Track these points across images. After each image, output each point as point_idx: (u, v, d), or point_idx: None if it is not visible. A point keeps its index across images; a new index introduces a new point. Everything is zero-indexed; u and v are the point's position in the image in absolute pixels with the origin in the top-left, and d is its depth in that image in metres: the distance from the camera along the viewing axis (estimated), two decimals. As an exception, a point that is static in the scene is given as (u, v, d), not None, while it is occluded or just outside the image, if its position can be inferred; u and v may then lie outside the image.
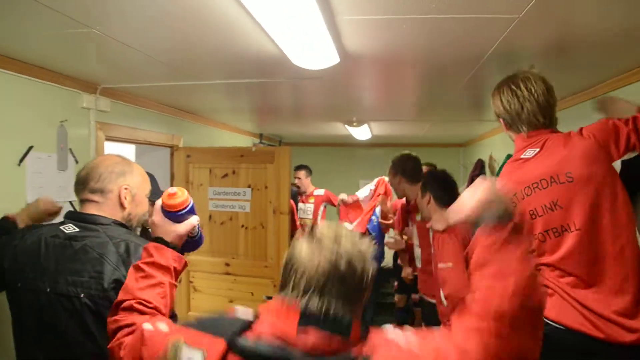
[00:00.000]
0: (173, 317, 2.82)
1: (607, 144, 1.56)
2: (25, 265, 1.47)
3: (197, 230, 1.37)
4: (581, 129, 1.63)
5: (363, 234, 3.93)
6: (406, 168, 3.05)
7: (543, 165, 1.62)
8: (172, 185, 3.57)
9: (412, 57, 2.05)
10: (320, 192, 5.11)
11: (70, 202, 2.39)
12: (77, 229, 1.51)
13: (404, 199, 3.27)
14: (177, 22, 1.66)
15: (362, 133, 5.12)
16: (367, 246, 1.00)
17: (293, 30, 1.61)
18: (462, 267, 2.24)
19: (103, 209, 1.56)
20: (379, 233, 4.73)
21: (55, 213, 1.90)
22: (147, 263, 1.22)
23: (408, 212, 3.20)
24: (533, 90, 1.66)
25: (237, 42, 1.84)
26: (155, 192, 2.60)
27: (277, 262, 3.28)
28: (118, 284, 1.40)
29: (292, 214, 3.85)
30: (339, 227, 1.02)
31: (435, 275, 2.44)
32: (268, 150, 3.41)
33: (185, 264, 1.31)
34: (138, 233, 1.73)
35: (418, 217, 2.91)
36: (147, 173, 2.68)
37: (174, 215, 1.27)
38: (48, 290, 1.42)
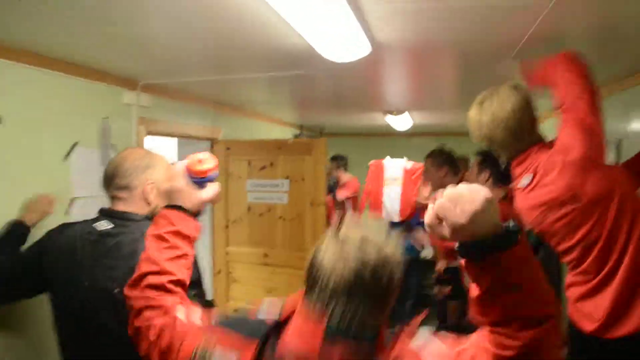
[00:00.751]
0: (210, 305, 2.88)
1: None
2: (64, 262, 1.53)
3: None
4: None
5: (405, 225, 3.86)
6: (453, 160, 2.99)
7: (545, 193, 1.60)
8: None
9: (444, 46, 1.99)
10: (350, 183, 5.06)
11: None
12: (111, 226, 1.54)
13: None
14: (209, 22, 1.68)
15: (402, 123, 5.03)
16: (393, 250, 0.95)
17: (321, 25, 1.59)
18: None
19: (130, 204, 1.60)
20: (418, 222, 4.65)
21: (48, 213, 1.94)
22: (170, 232, 1.16)
23: None
24: (499, 113, 1.67)
25: (268, 38, 1.85)
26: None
27: None
28: None
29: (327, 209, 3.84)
30: (365, 228, 0.97)
31: None
32: (305, 142, 3.43)
33: (201, 230, 1.26)
34: None
35: None
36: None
37: (200, 181, 1.24)
38: (87, 284, 1.47)
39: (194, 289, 1.46)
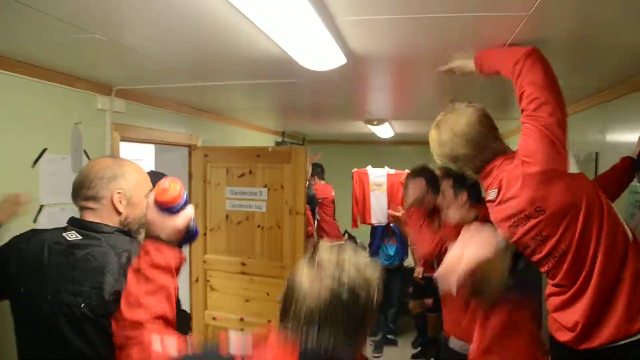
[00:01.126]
0: (185, 315, 2.81)
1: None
2: (29, 271, 1.47)
3: (192, 222, 1.31)
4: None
5: (385, 229, 3.88)
6: (434, 178, 2.92)
7: (511, 207, 1.59)
8: (190, 184, 3.59)
9: (421, 57, 1.98)
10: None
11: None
12: (80, 237, 1.49)
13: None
14: (186, 29, 1.66)
15: (384, 131, 5.04)
16: (372, 272, 0.95)
17: (294, 34, 1.58)
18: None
19: (100, 215, 1.55)
20: (399, 232, 4.67)
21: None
22: (148, 265, 1.17)
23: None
24: (456, 128, 1.67)
25: (245, 45, 1.83)
26: None
27: (293, 263, 3.25)
28: (118, 295, 1.39)
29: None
30: (341, 251, 0.97)
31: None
32: (285, 150, 3.39)
33: (184, 260, 1.26)
34: (142, 234, 1.72)
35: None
36: (157, 172, 2.69)
37: (170, 210, 1.21)
38: (49, 297, 1.42)
39: None
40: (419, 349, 4.61)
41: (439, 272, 1.03)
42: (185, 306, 3.58)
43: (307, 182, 4.40)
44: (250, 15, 1.40)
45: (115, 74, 2.44)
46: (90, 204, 1.55)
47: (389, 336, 4.84)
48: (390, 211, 3.70)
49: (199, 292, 3.61)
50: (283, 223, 3.34)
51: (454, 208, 2.42)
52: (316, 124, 5.20)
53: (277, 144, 5.65)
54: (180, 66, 2.25)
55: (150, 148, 3.90)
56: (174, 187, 1.22)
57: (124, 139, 2.84)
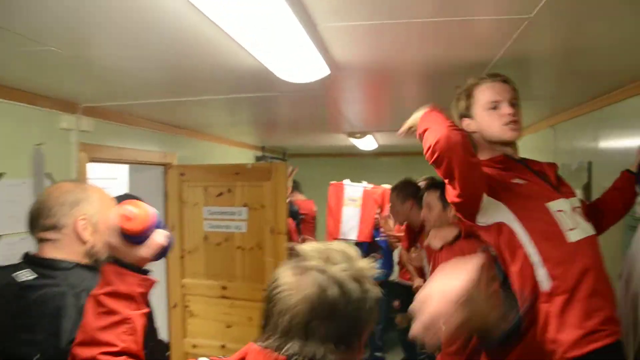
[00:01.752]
0: (161, 344, 2.62)
1: None
2: None
3: (169, 239, 1.09)
4: None
5: (371, 245, 3.80)
6: (417, 192, 2.84)
7: None
8: (166, 204, 3.40)
9: (407, 66, 1.87)
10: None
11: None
12: (34, 276, 1.32)
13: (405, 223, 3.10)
14: (158, 43, 1.53)
15: (367, 144, 4.94)
16: (366, 265, 0.85)
17: (272, 46, 1.45)
18: None
19: (61, 247, 1.38)
20: (386, 246, 4.58)
21: None
22: (107, 294, 0.98)
23: (416, 235, 2.99)
24: None
25: (221, 59, 1.71)
26: None
27: None
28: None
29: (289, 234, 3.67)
30: (327, 246, 0.87)
31: None
32: (264, 167, 3.24)
33: (153, 283, 1.06)
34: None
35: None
36: (130, 195, 2.51)
37: (135, 240, 1.02)
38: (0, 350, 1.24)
39: None
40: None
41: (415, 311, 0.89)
42: (163, 334, 3.37)
43: (288, 199, 4.27)
44: (223, 26, 1.27)
45: (81, 90, 2.27)
46: (50, 235, 1.38)
47: (376, 354, 4.71)
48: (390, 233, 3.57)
49: (177, 318, 3.41)
50: (264, 243, 3.17)
51: (438, 229, 2.31)
52: (297, 138, 5.06)
53: (257, 159, 5.48)
54: (151, 82, 2.11)
55: (124, 168, 3.71)
56: (141, 213, 1.01)
57: (93, 160, 2.66)
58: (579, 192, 2.39)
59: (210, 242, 3.31)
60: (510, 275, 1.47)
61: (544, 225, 1.42)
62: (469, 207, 1.49)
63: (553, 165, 1.64)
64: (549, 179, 1.56)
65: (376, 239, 4.60)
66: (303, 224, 4.90)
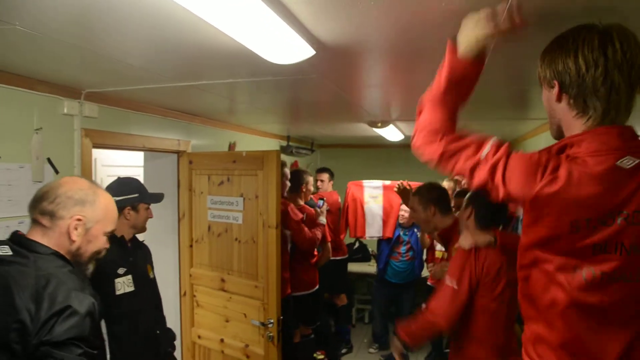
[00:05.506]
0: (169, 333, 2.59)
1: None
2: None
3: None
4: None
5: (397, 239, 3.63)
6: (444, 197, 2.64)
7: None
8: (178, 192, 3.38)
9: (410, 46, 1.73)
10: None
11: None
12: (9, 253, 1.35)
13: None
14: (155, 29, 1.50)
15: (392, 134, 4.77)
16: None
17: (247, 25, 1.36)
18: (463, 290, 2.02)
19: (49, 236, 1.41)
20: (417, 246, 4.47)
21: None
22: None
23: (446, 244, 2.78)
24: (628, 56, 1.06)
25: (206, 44, 1.66)
26: (143, 196, 2.40)
27: (267, 283, 2.93)
28: (21, 324, 1.21)
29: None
30: None
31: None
32: (257, 155, 2.98)
33: None
34: (91, 268, 1.55)
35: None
36: (132, 178, 2.49)
37: None
38: None
39: (80, 347, 1.25)
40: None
41: None
42: (175, 322, 3.37)
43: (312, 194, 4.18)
44: (200, 12, 1.23)
45: (84, 76, 2.25)
46: (44, 220, 1.42)
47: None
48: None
49: (187, 307, 3.40)
50: (258, 237, 2.99)
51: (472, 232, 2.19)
52: (320, 127, 4.93)
53: (282, 148, 5.41)
54: (161, 65, 2.04)
55: (140, 155, 3.73)
56: None
57: (97, 146, 2.66)
58: None
59: (212, 233, 3.23)
60: None
61: None
62: None
63: None
64: None
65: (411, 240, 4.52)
66: (328, 216, 4.81)
